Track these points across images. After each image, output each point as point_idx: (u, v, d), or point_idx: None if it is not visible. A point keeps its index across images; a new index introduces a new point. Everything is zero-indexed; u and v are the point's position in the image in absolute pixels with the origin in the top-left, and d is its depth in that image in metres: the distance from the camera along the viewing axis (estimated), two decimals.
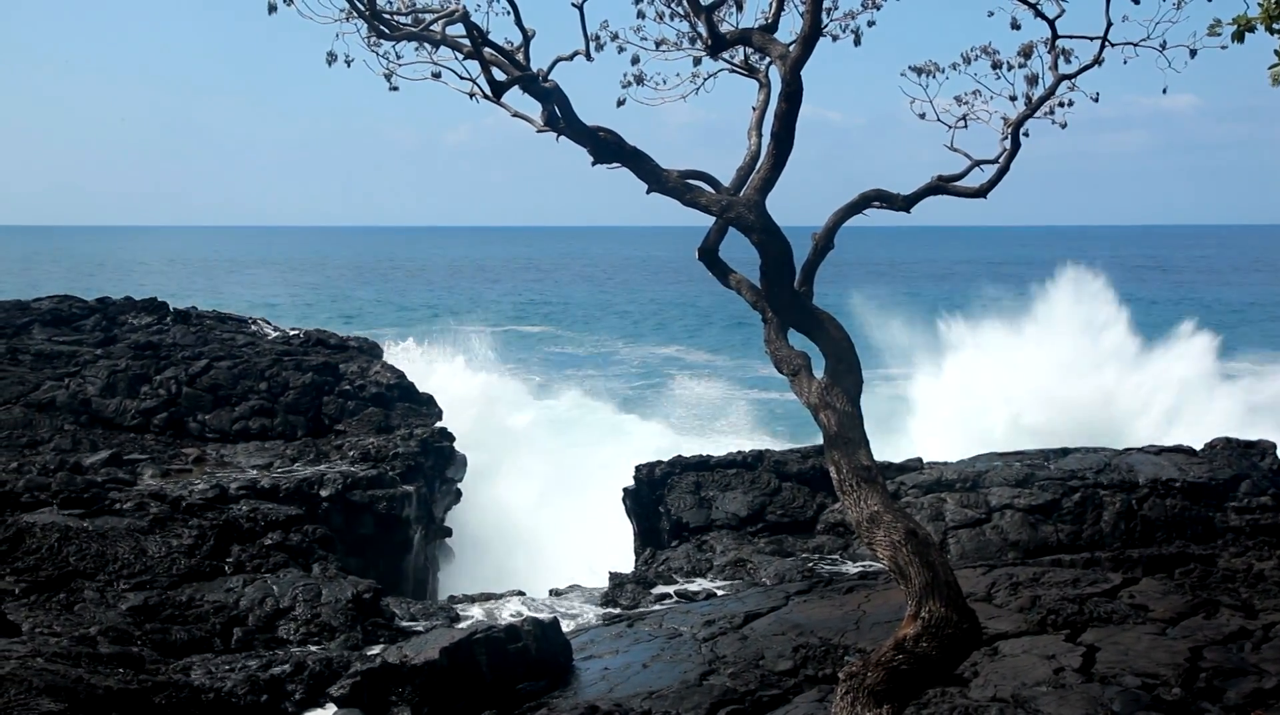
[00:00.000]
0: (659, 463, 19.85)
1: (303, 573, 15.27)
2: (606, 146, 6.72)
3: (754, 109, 7.39)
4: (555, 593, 17.16)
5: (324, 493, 18.16)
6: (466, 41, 6.67)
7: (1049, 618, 11.84)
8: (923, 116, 7.55)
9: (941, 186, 7.62)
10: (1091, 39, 7.07)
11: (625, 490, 19.88)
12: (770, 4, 7.03)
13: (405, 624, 15.01)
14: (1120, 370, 34.87)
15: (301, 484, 18.07)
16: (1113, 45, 6.97)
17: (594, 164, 6.85)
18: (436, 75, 7.00)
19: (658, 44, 7.59)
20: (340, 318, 70.03)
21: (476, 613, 15.89)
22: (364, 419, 21.70)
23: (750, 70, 7.69)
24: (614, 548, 20.16)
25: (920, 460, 19.36)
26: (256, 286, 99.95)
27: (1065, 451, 19.37)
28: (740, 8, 7.52)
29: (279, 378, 22.23)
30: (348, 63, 6.83)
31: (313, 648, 13.30)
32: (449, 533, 21.15)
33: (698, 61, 7.68)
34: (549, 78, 6.73)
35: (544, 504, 23.86)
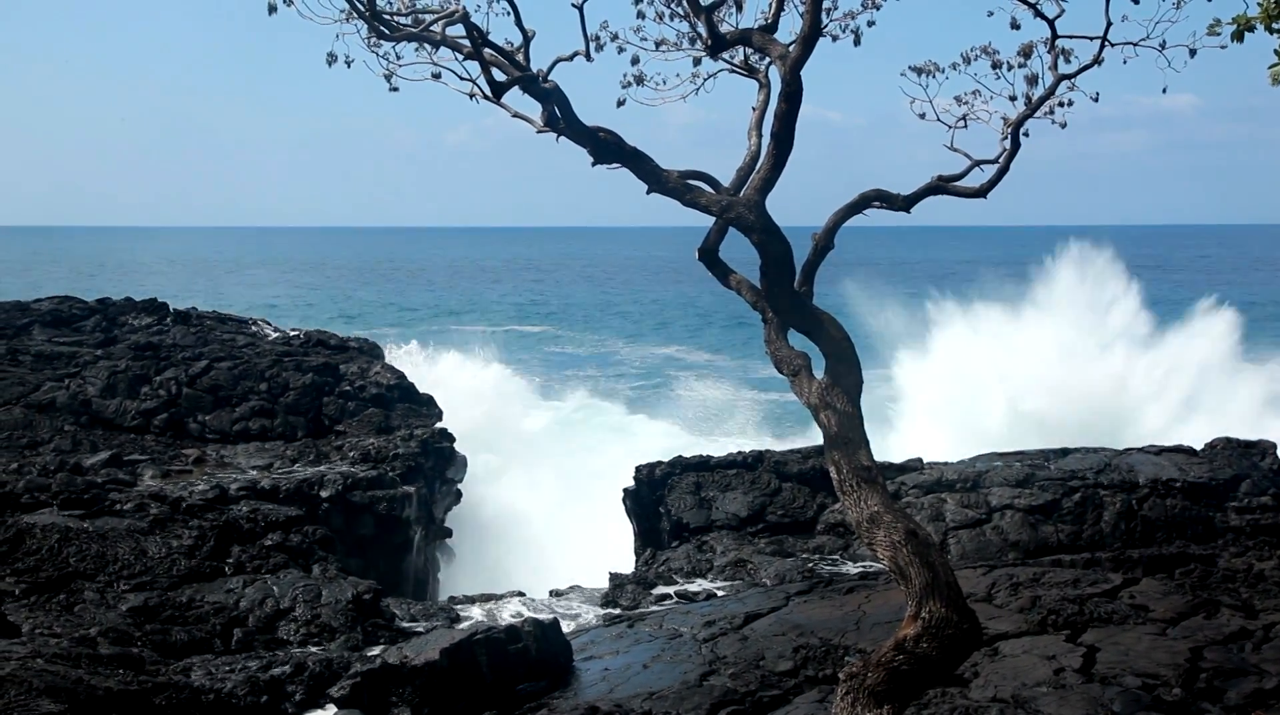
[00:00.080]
0: (659, 463, 19.85)
1: (303, 573, 15.27)
2: (606, 147, 6.72)
3: (754, 109, 7.39)
4: (555, 593, 17.16)
5: (324, 493, 18.16)
6: (466, 42, 6.67)
7: (1049, 618, 11.84)
8: (923, 116, 7.56)
9: (941, 186, 7.62)
10: (1091, 39, 7.07)
11: (625, 491, 19.88)
12: (770, 4, 7.03)
13: (405, 625, 15.01)
14: (1130, 352, 32.17)
15: (302, 485, 18.07)
16: (1112, 45, 6.97)
17: (594, 164, 6.85)
18: (436, 76, 7.00)
19: (658, 44, 7.59)
20: (341, 318, 70.08)
21: (476, 613, 15.89)
22: (364, 420, 21.70)
23: (750, 70, 7.69)
24: (614, 548, 20.16)
25: (920, 460, 19.36)
26: (257, 286, 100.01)
27: (1065, 452, 19.37)
28: (740, 8, 7.53)
29: (279, 378, 22.24)
30: (348, 63, 6.84)
31: (313, 648, 13.30)
32: (449, 533, 21.16)
33: (698, 62, 7.68)
34: (549, 78, 6.73)
35: (545, 505, 23.85)
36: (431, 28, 6.54)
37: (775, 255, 6.68)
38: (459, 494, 21.52)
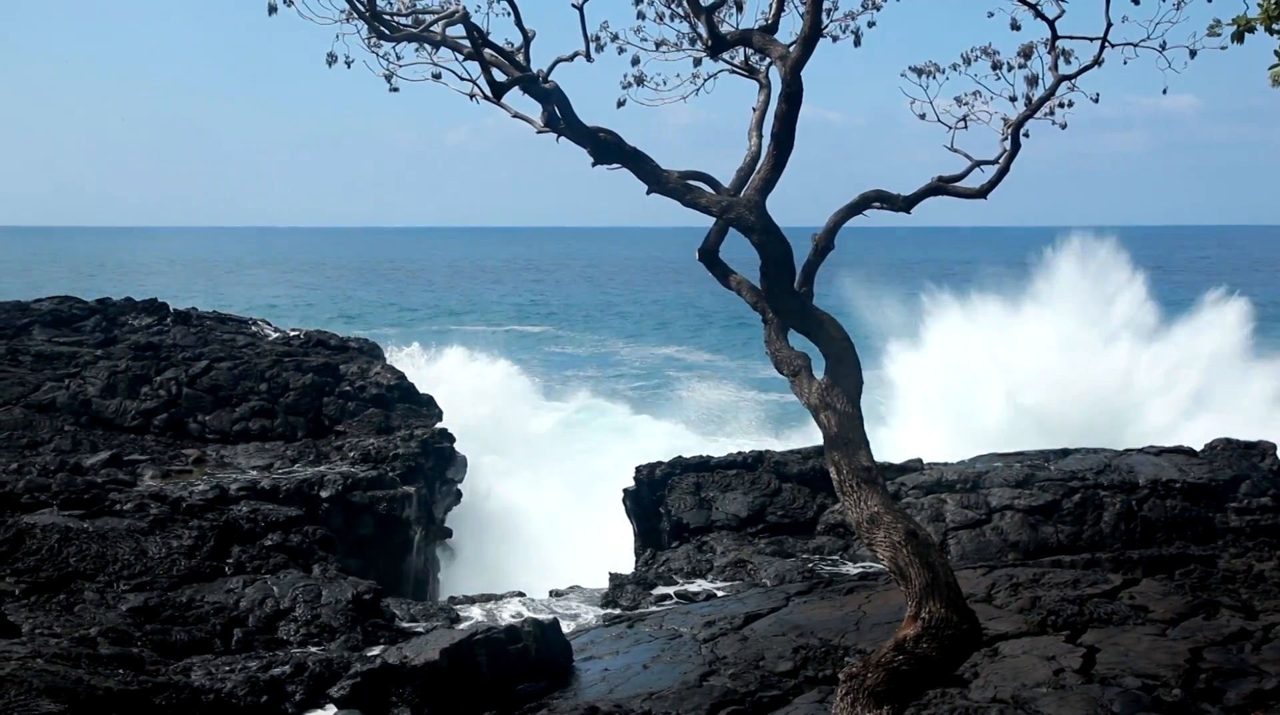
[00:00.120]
0: (659, 463, 19.85)
1: (303, 574, 15.27)
2: (607, 147, 6.72)
3: (754, 110, 7.39)
4: (555, 593, 17.16)
5: (324, 494, 18.16)
6: (467, 42, 6.67)
7: (1049, 619, 11.84)
8: (923, 117, 7.56)
9: (942, 187, 7.62)
10: (1091, 39, 7.07)
11: (625, 491, 19.88)
12: (770, 5, 7.03)
13: (405, 625, 15.01)
14: (1135, 344, 30.70)
15: (302, 485, 18.07)
16: (1112, 46, 6.97)
17: (594, 165, 6.85)
18: (437, 76, 7.01)
19: (658, 45, 7.60)
20: (341, 318, 70.08)
21: (476, 613, 15.89)
22: (364, 420, 21.70)
23: (750, 71, 7.69)
24: (614, 549, 20.16)
25: (920, 461, 19.36)
26: (257, 286, 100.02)
27: (1065, 452, 19.38)
28: (740, 8, 7.53)
29: (279, 379, 22.24)
30: (348, 64, 6.84)
31: (313, 649, 13.31)
32: (449, 533, 21.16)
33: (698, 62, 7.69)
34: (549, 78, 6.73)
35: (546, 505, 23.85)
36: (431, 28, 6.54)
37: (775, 256, 6.68)
38: (459, 494, 21.53)
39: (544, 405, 33.94)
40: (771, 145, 6.69)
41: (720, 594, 15.66)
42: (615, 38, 7.40)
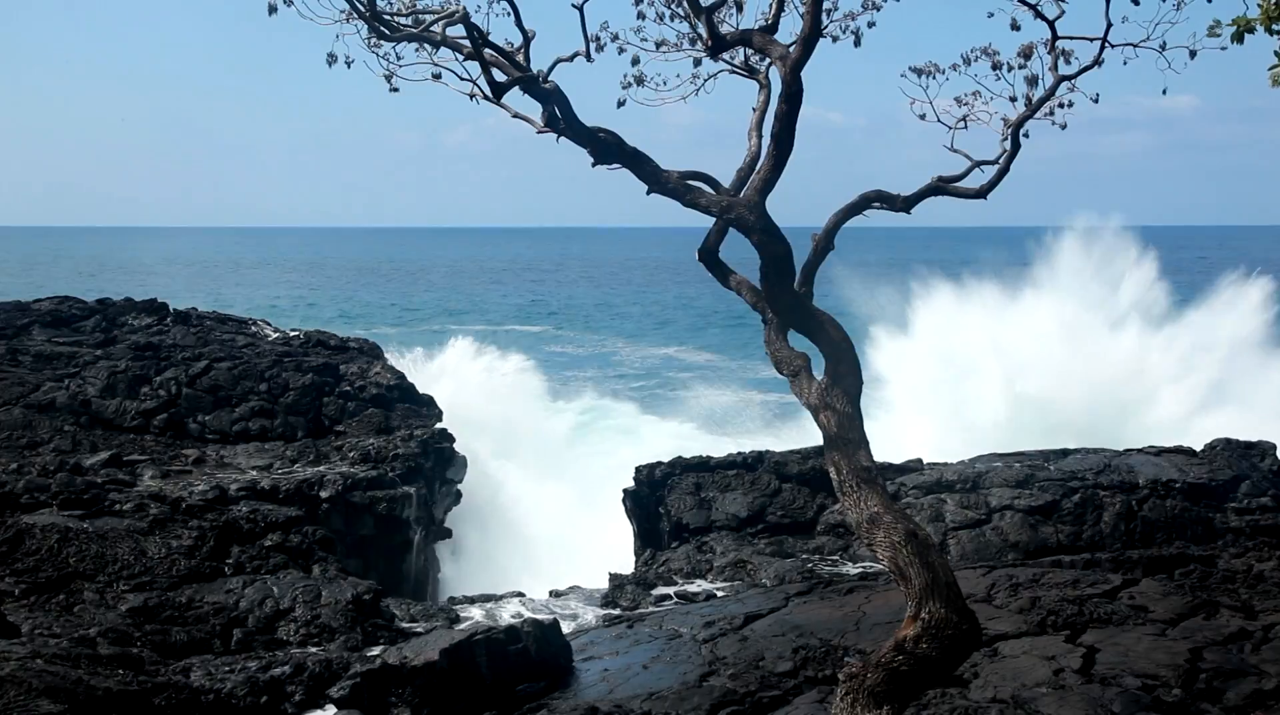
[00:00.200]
0: (659, 464, 19.85)
1: (303, 574, 15.27)
2: (607, 147, 6.72)
3: (754, 110, 7.39)
4: (555, 594, 17.16)
5: (324, 494, 18.16)
6: (467, 43, 6.67)
7: (1049, 619, 11.84)
8: (923, 117, 7.56)
9: (942, 187, 7.62)
10: (1091, 40, 7.08)
11: (625, 491, 19.88)
12: (770, 5, 7.03)
13: (405, 625, 15.01)
14: (1145, 328, 28.65)
15: (301, 485, 18.07)
16: (1112, 46, 6.98)
17: (594, 165, 6.85)
18: (437, 76, 7.00)
19: (658, 45, 7.60)
20: (342, 318, 70.10)
21: (476, 614, 15.89)
22: (364, 420, 21.70)
23: (750, 71, 7.69)
24: (614, 549, 20.16)
25: (920, 461, 19.36)
26: (258, 287, 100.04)
27: (1065, 452, 19.39)
28: (740, 9, 7.53)
29: (279, 379, 22.23)
30: (348, 64, 6.83)
31: (312, 649, 13.30)
32: (449, 534, 21.16)
33: (698, 62, 7.69)
34: (549, 79, 6.72)
35: (546, 505, 23.84)
36: (432, 28, 6.54)
37: (775, 256, 6.68)
38: (459, 494, 21.53)
39: (548, 405, 33.81)
40: (771, 145, 6.69)
41: (720, 594, 15.66)
42: (615, 38, 7.40)
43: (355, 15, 6.49)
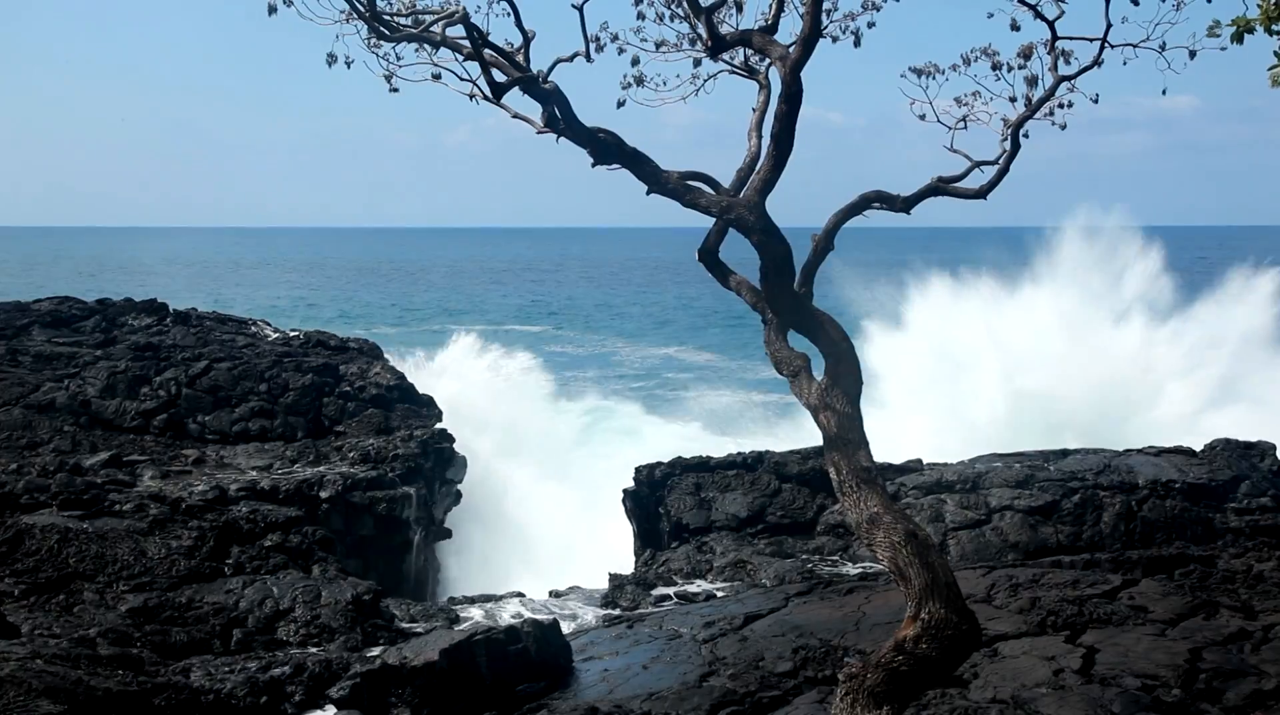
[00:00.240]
0: (659, 464, 19.85)
1: (302, 574, 15.28)
2: (606, 148, 6.72)
3: (754, 110, 7.39)
4: (555, 594, 17.16)
5: (324, 494, 18.17)
6: (466, 43, 6.66)
7: (1049, 619, 11.84)
8: (923, 118, 7.56)
9: (942, 188, 7.62)
10: (1091, 40, 7.07)
11: (625, 491, 19.88)
12: (770, 5, 7.03)
13: (405, 625, 15.01)
14: (1150, 322, 27.48)
15: (301, 485, 18.08)
16: (1112, 47, 6.97)
17: (594, 165, 6.84)
18: (437, 77, 7.00)
19: (658, 45, 7.59)
20: (342, 319, 70.09)
21: (476, 614, 15.90)
22: (364, 420, 21.70)
23: (750, 71, 7.69)
24: (614, 549, 20.16)
25: (920, 461, 19.36)
26: (258, 287, 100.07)
27: (1065, 453, 19.40)
28: (740, 9, 7.53)
29: (279, 379, 22.23)
30: (348, 64, 6.83)
31: (312, 649, 13.30)
32: (449, 534, 21.15)
33: (698, 63, 7.68)
34: (549, 79, 6.72)
35: (548, 506, 23.82)
36: (431, 28, 6.53)
37: (775, 256, 6.67)
38: (459, 495, 21.53)
39: (550, 405, 33.71)
40: (771, 146, 6.68)
41: (720, 594, 15.66)
42: (615, 38, 7.39)
43: (355, 15, 6.49)
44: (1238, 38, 5.24)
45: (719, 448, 22.05)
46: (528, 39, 6.76)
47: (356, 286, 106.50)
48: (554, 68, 6.86)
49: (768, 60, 7.18)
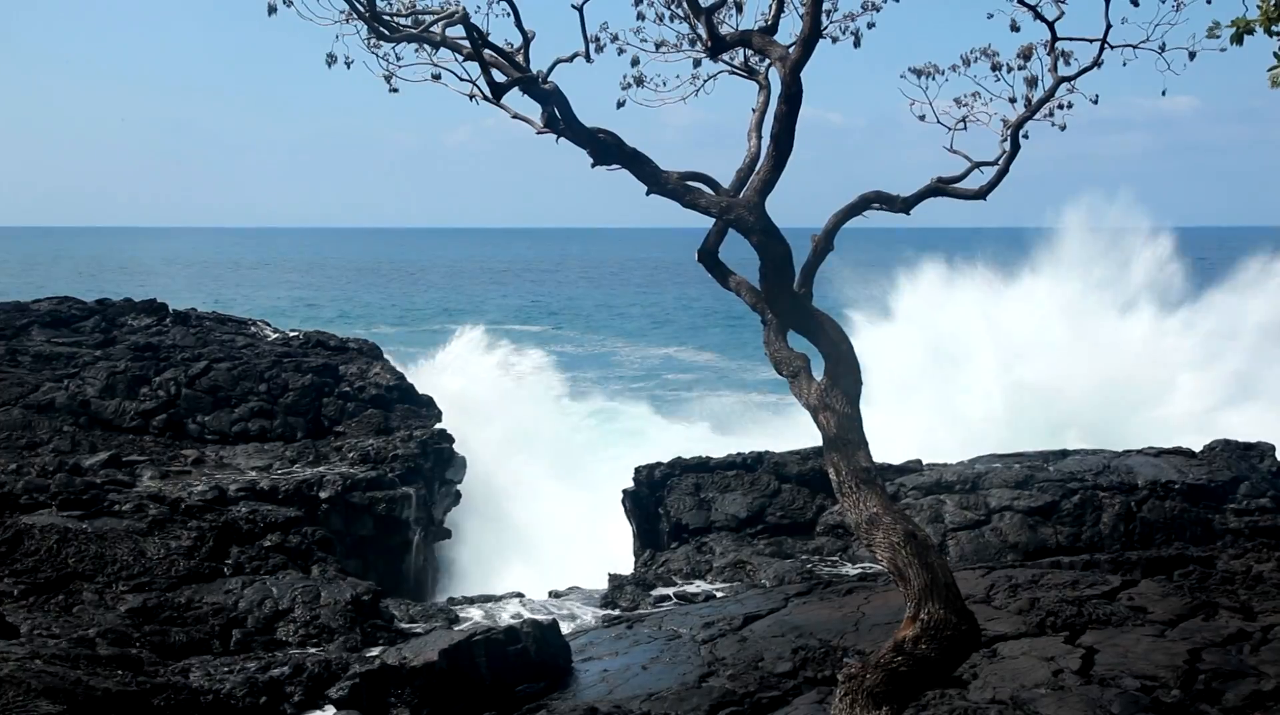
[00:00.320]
0: (658, 464, 19.85)
1: (302, 574, 15.27)
2: (606, 148, 6.71)
3: (754, 111, 7.39)
4: (555, 594, 17.17)
5: (323, 494, 18.17)
6: (466, 43, 6.66)
7: (1048, 620, 11.84)
8: (923, 118, 7.56)
9: (941, 188, 7.62)
10: (1091, 41, 7.08)
11: (625, 492, 19.88)
12: (770, 6, 7.03)
13: (404, 626, 15.01)
14: (1160, 310, 26.17)
15: (301, 486, 18.08)
16: (1112, 47, 6.98)
17: (594, 166, 6.84)
18: (436, 77, 7.00)
19: (657, 46, 7.59)
20: (343, 319, 70.07)
21: (476, 614, 15.90)
22: (363, 421, 21.70)
23: (750, 72, 7.69)
24: (614, 549, 20.15)
25: (920, 462, 19.36)
26: (259, 287, 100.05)
27: (1065, 453, 19.41)
28: (740, 9, 7.53)
29: (278, 379, 22.23)
30: (348, 64, 6.83)
31: (312, 649, 13.30)
32: (448, 534, 21.15)
33: (697, 63, 7.68)
34: (549, 79, 6.72)
35: (548, 506, 23.79)
36: (431, 29, 6.53)
37: (774, 257, 6.67)
38: (458, 495, 21.53)
39: (551, 405, 33.60)
40: (771, 146, 6.68)
41: (719, 595, 15.66)
42: (615, 38, 7.39)
43: (355, 16, 6.49)
44: (1237, 39, 5.24)
45: (719, 448, 22.05)
46: (527, 39, 6.76)
47: (356, 286, 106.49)
48: (554, 68, 6.86)
49: (767, 61, 7.17)
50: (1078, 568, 14.08)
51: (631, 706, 10.46)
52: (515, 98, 6.78)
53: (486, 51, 6.62)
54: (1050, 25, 7.00)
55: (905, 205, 7.52)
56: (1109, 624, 11.74)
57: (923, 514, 17.36)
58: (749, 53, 7.57)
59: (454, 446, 21.33)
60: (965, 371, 24.65)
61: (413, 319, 74.08)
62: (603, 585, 17.08)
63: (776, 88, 6.74)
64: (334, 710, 11.31)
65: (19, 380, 21.74)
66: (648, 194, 6.90)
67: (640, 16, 7.49)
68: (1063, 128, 7.43)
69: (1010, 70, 7.26)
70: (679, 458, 19.97)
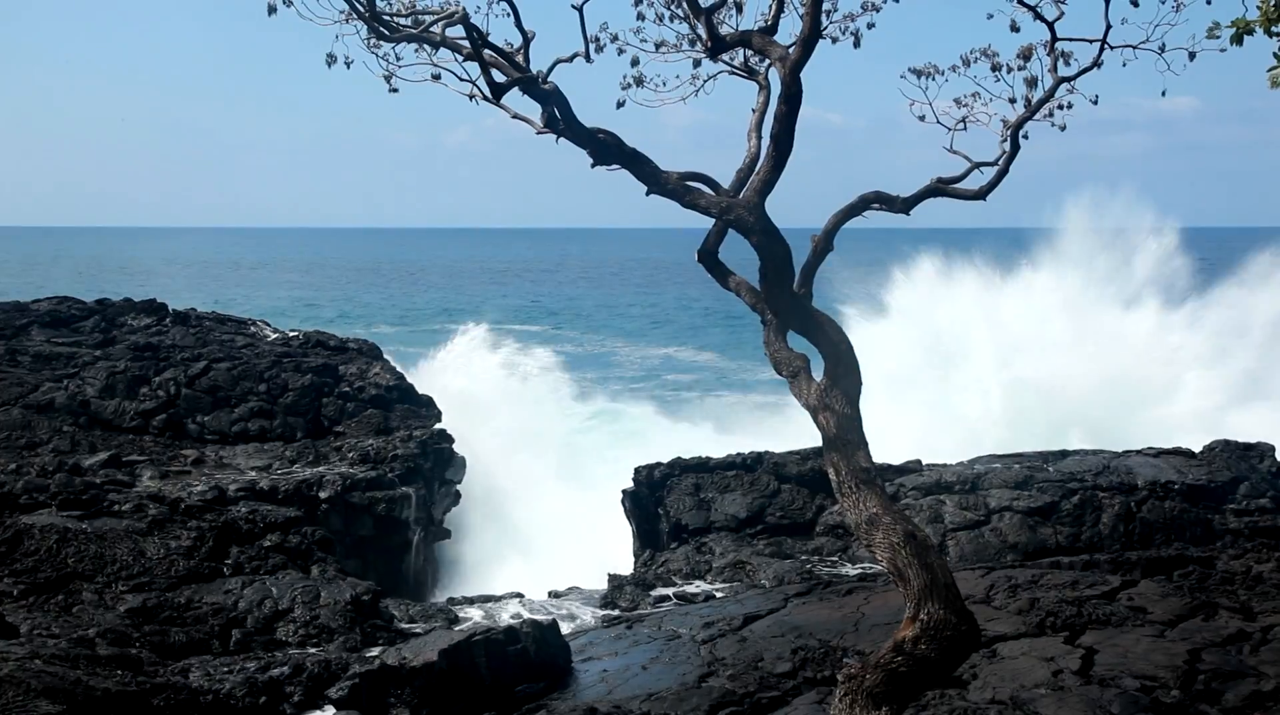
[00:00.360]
0: (658, 464, 19.84)
1: (301, 574, 15.27)
2: (606, 148, 6.71)
3: (754, 111, 7.39)
4: (554, 595, 17.17)
5: (323, 494, 18.17)
6: (466, 43, 6.66)
7: (1048, 620, 11.84)
8: (922, 119, 7.57)
9: (941, 189, 7.63)
10: (1091, 41, 7.08)
11: (624, 492, 19.87)
12: (770, 6, 7.03)
13: (404, 626, 15.01)
14: (1165, 305, 25.30)
15: (300, 486, 18.08)
16: (1112, 48, 6.98)
17: (594, 166, 6.84)
18: (436, 77, 7.00)
19: (657, 46, 7.60)
20: (343, 319, 70.04)
21: (475, 614, 15.91)
22: (363, 421, 21.70)
23: (750, 72, 7.69)
24: (613, 550, 20.14)
25: (919, 462, 19.36)
26: (259, 287, 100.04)
27: (1064, 453, 19.42)
28: (740, 10, 7.53)
29: (278, 379, 22.23)
30: (347, 64, 6.83)
31: (311, 650, 13.30)
32: (448, 534, 21.15)
33: (697, 63, 7.68)
34: (548, 79, 6.72)
35: (548, 506, 23.77)
36: (431, 29, 6.53)
37: (774, 257, 6.67)
38: (458, 495, 21.52)
39: (552, 404, 33.49)
40: (771, 146, 6.68)
41: (719, 595, 15.66)
42: (615, 39, 7.39)
43: (355, 16, 6.49)
44: (1237, 39, 5.24)
45: (718, 448, 22.03)
46: (527, 39, 6.76)
47: (356, 286, 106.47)
48: (554, 68, 6.86)
49: (767, 61, 7.17)
50: (1077, 568, 14.09)
51: (631, 707, 10.46)
52: (515, 98, 6.79)
53: (486, 52, 6.62)
54: (1050, 26, 7.01)
55: (905, 206, 7.53)
56: (1109, 624, 11.74)
57: (922, 514, 17.36)
58: (749, 53, 7.58)
59: (454, 446, 21.33)
60: (962, 368, 24.14)
61: (413, 319, 74.05)
62: (602, 585, 17.08)
63: (776, 88, 6.74)
64: (334, 710, 11.31)
65: (19, 380, 21.74)
66: (648, 194, 6.90)
67: (640, 17, 7.50)
68: (1063, 128, 7.43)
69: (1010, 71, 7.27)
70: (678, 458, 19.97)
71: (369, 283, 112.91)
